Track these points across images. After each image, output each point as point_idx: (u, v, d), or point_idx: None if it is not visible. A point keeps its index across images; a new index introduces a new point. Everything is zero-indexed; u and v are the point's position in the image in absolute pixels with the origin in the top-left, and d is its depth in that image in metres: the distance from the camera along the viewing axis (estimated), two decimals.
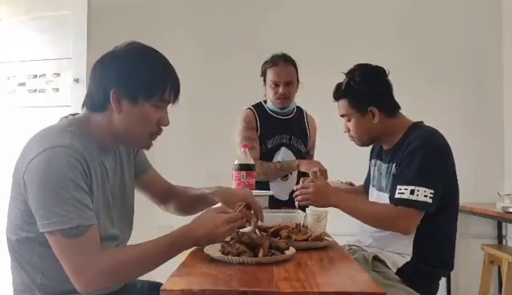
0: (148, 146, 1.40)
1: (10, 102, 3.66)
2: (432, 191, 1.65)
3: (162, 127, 1.37)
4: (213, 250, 1.26)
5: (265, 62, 2.52)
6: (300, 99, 2.61)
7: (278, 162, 2.48)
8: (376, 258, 1.77)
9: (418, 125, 1.84)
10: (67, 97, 3.54)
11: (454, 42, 3.61)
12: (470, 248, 3.43)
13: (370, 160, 2.04)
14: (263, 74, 2.52)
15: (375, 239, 1.84)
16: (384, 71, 1.86)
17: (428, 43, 3.62)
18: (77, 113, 1.39)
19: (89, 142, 1.30)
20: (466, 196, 3.03)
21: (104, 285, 1.25)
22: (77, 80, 3.50)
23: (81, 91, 3.50)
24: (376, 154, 1.98)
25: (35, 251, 1.27)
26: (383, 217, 1.72)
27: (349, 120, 1.86)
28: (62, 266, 1.20)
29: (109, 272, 1.22)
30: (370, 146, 2.02)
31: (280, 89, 2.45)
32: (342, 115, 1.89)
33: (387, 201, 1.75)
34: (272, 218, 1.64)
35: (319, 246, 1.45)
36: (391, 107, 1.85)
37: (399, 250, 1.75)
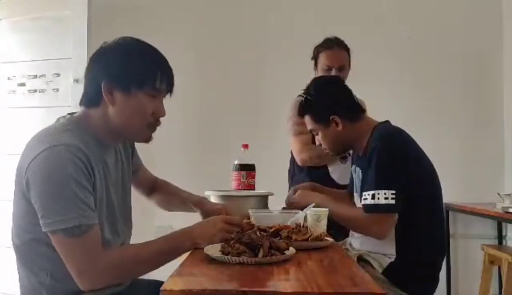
0: (147, 139, 1.39)
1: (10, 102, 3.66)
2: (393, 191, 1.66)
3: (160, 119, 1.36)
4: (213, 250, 1.26)
5: (318, 46, 2.47)
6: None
7: None
8: (361, 259, 1.79)
9: (380, 126, 1.86)
10: (67, 97, 3.54)
11: (454, 42, 3.61)
12: (470, 248, 3.43)
13: (352, 166, 2.06)
14: (315, 57, 2.48)
15: (361, 242, 1.87)
16: (339, 79, 1.92)
17: (428, 43, 3.61)
18: (74, 113, 1.40)
19: (89, 140, 1.30)
20: (466, 196, 3.05)
21: (106, 284, 1.25)
22: (77, 81, 3.50)
23: (81, 92, 3.50)
24: (355, 161, 2.00)
25: (42, 252, 1.26)
26: (358, 223, 1.77)
27: (317, 134, 1.93)
28: (65, 265, 1.21)
29: (110, 271, 1.23)
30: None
31: (333, 74, 2.39)
32: (310, 131, 1.97)
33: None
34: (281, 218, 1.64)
35: (319, 246, 1.45)
36: (352, 112, 1.89)
37: (384, 251, 1.77)
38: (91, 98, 1.33)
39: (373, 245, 1.80)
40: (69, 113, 1.40)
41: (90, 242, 1.20)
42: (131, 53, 1.32)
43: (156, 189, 1.77)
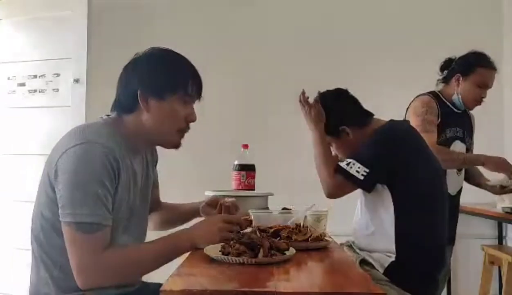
0: (177, 145, 1.45)
1: (10, 102, 3.66)
2: (367, 170, 1.70)
3: (189, 124, 1.43)
4: (213, 250, 1.26)
5: (479, 58, 2.45)
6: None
7: (462, 153, 2.42)
8: (363, 261, 1.79)
9: (390, 121, 1.89)
10: (67, 97, 3.54)
11: (454, 42, 3.60)
12: (470, 248, 3.43)
13: None
14: (466, 68, 2.44)
15: (363, 239, 1.87)
16: (343, 90, 1.96)
17: (428, 43, 3.61)
18: (109, 115, 1.44)
19: (122, 143, 1.35)
20: (466, 196, 3.04)
21: (102, 284, 1.27)
22: (77, 80, 3.50)
23: (81, 91, 3.50)
24: None
25: (57, 244, 1.29)
26: (324, 172, 1.81)
27: (331, 145, 1.97)
28: (68, 257, 1.24)
29: (109, 273, 1.25)
30: None
31: (484, 94, 2.43)
32: None
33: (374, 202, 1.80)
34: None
35: (319, 246, 1.45)
36: (361, 119, 1.93)
37: (384, 249, 1.77)
38: (126, 105, 1.39)
39: (375, 243, 1.80)
40: (106, 115, 1.44)
41: (96, 242, 1.23)
42: (163, 61, 1.40)
43: (159, 208, 1.76)
